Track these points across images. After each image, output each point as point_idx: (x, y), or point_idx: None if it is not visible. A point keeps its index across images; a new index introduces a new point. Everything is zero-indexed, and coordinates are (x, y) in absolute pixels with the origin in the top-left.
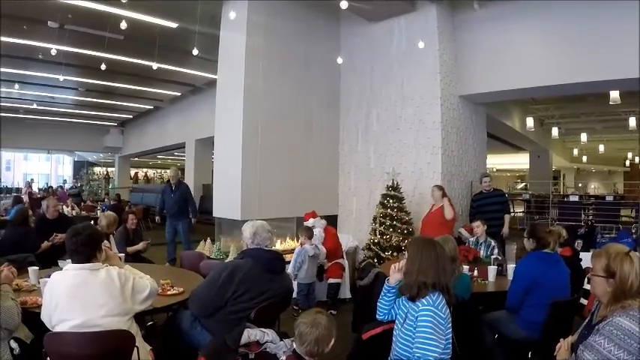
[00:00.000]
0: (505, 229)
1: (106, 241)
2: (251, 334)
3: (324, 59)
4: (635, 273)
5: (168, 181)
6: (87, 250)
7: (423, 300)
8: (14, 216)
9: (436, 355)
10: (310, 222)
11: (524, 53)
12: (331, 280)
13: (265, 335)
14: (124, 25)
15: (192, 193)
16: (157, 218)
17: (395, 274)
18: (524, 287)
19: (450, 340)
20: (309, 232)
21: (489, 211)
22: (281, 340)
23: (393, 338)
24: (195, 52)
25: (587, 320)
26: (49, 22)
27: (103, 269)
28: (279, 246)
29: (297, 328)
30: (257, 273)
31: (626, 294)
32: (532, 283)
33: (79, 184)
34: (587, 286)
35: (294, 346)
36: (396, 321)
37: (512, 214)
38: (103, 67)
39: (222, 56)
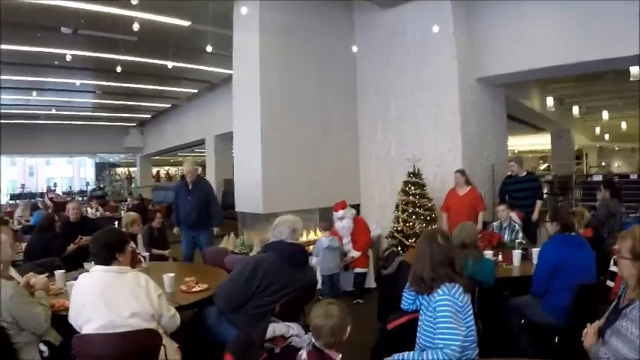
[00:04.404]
0: (535, 215)
1: (131, 242)
2: (276, 328)
3: (339, 50)
4: None
5: (183, 177)
6: (104, 254)
7: (439, 290)
8: (39, 221)
9: (458, 342)
10: (340, 213)
11: (541, 32)
12: (357, 270)
13: (290, 329)
14: (136, 26)
15: (214, 188)
16: (176, 230)
17: None
18: (549, 272)
19: (472, 327)
20: (325, 224)
21: (521, 197)
22: (306, 333)
23: (418, 328)
24: (209, 49)
25: (614, 304)
26: (62, 28)
27: (131, 273)
28: (300, 238)
29: (311, 322)
30: (280, 266)
31: None
32: (556, 268)
33: (102, 186)
34: (613, 268)
35: (313, 340)
36: (421, 310)
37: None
38: (119, 69)
39: (236, 54)
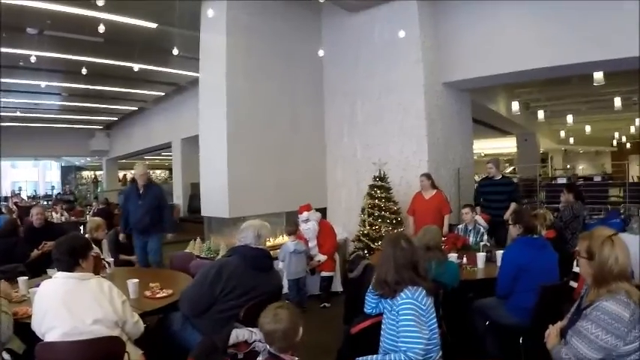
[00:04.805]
0: (507, 215)
1: (96, 248)
2: (239, 333)
3: (306, 53)
4: (614, 257)
5: (133, 180)
6: (68, 259)
7: (402, 294)
8: (2, 226)
9: (421, 345)
10: (304, 215)
11: (507, 37)
12: (323, 274)
13: (253, 335)
14: (102, 28)
15: (180, 192)
16: (121, 237)
17: None
18: (512, 274)
19: (436, 330)
20: (290, 229)
21: (496, 200)
22: None
23: (381, 331)
24: (175, 51)
25: (576, 304)
26: (27, 28)
27: (94, 279)
28: (267, 242)
29: (262, 328)
30: (243, 270)
31: (606, 277)
32: (519, 269)
33: (71, 190)
34: (576, 269)
35: (267, 347)
36: (384, 314)
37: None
38: (84, 71)
39: (203, 55)
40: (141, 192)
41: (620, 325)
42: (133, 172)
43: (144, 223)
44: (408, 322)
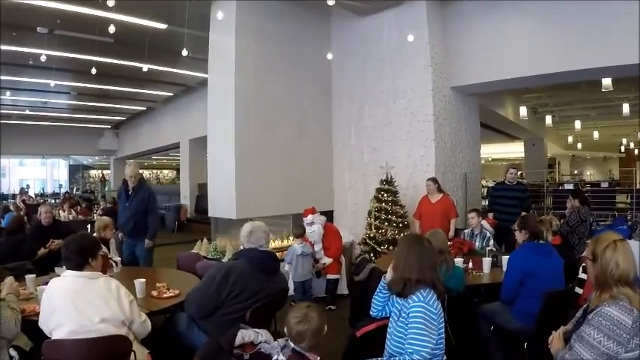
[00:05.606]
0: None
1: (103, 247)
2: (245, 335)
3: (314, 56)
4: (615, 261)
5: (125, 180)
6: (77, 259)
7: (414, 296)
8: (9, 224)
9: (428, 350)
10: (309, 218)
11: (515, 43)
12: (329, 276)
13: (259, 336)
14: (112, 28)
15: (188, 192)
16: (120, 235)
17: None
18: (517, 279)
19: (443, 335)
20: (298, 231)
21: (508, 205)
22: (275, 339)
23: (387, 335)
24: (184, 53)
25: (582, 309)
26: (38, 28)
27: (102, 278)
28: (274, 244)
29: (291, 328)
30: (251, 273)
31: (607, 281)
32: (525, 275)
33: (90, 189)
34: (582, 275)
35: (292, 345)
36: (391, 318)
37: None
38: (94, 71)
39: (212, 57)
40: (130, 193)
41: (622, 331)
42: (140, 171)
43: (129, 227)
44: (417, 325)
